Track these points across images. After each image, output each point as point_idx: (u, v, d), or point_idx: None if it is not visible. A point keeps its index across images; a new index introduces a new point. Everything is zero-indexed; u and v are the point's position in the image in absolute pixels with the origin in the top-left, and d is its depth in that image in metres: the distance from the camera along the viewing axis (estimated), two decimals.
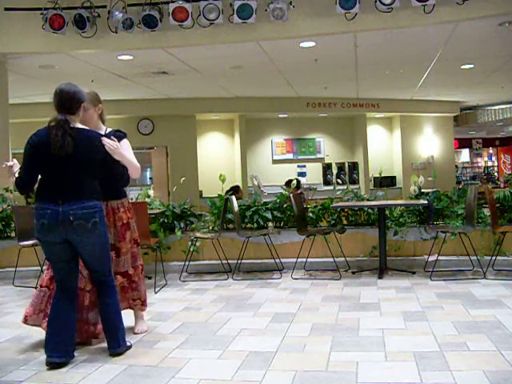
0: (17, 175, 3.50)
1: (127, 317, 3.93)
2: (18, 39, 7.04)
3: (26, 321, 3.84)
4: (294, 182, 9.44)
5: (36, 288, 3.98)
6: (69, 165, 3.39)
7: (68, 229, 3.35)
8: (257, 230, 6.66)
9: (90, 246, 3.46)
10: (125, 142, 3.88)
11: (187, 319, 4.41)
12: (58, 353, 3.38)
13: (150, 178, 14.28)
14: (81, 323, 3.76)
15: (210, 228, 6.81)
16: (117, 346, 3.55)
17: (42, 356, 3.60)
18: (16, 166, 3.59)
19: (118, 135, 3.85)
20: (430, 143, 14.93)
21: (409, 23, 6.52)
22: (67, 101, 3.44)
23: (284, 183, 9.42)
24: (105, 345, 3.76)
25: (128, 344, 3.65)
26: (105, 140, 3.52)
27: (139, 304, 4.08)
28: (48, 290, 3.81)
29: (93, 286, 3.71)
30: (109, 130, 3.99)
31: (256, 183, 12.56)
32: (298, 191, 8.95)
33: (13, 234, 6.94)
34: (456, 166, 22.31)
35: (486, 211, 6.25)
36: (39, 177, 3.48)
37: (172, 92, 11.17)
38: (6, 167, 3.59)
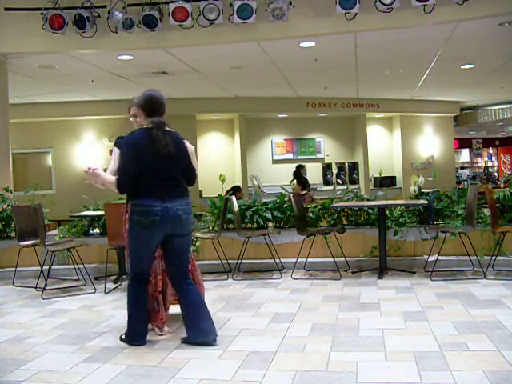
0: (111, 178, 3.66)
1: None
2: (18, 39, 7.04)
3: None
4: (294, 181, 9.46)
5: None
6: (169, 163, 3.66)
7: (176, 223, 3.64)
8: (257, 230, 6.66)
9: (186, 238, 3.78)
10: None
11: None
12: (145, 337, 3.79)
13: None
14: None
15: (210, 228, 6.81)
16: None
17: (42, 356, 3.61)
18: (100, 169, 3.71)
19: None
20: (430, 143, 14.93)
21: (409, 23, 6.53)
22: (157, 105, 3.74)
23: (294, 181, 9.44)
24: (104, 344, 3.77)
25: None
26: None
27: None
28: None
29: (173, 284, 3.86)
30: None
31: (256, 183, 12.56)
32: (305, 191, 8.97)
33: (13, 234, 6.93)
34: (462, 168, 22.35)
35: (486, 211, 6.25)
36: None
37: (172, 92, 11.16)
38: (91, 172, 3.67)
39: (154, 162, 3.62)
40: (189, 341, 3.71)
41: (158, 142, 3.60)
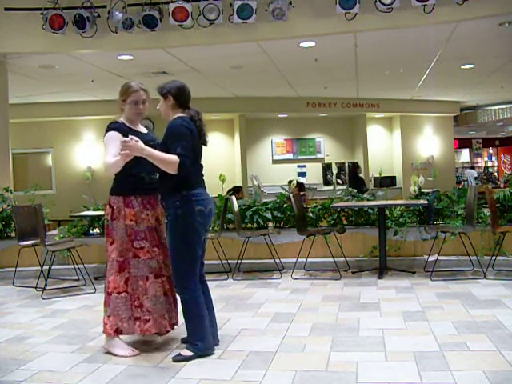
0: (166, 154, 3.32)
1: None
2: (18, 39, 7.04)
3: (120, 333, 3.60)
4: (294, 181, 9.44)
5: (109, 293, 3.63)
6: (201, 155, 3.62)
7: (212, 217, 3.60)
8: (257, 230, 6.66)
9: None
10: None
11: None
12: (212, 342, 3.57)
13: None
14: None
15: (210, 228, 6.81)
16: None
17: (42, 356, 3.61)
18: (141, 142, 3.36)
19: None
20: (430, 143, 14.93)
21: (409, 23, 6.53)
22: (189, 97, 3.65)
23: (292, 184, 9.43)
24: (104, 344, 3.76)
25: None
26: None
27: None
28: (127, 294, 3.59)
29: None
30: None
31: (256, 183, 12.55)
32: (301, 193, 8.96)
33: (13, 234, 6.93)
34: (472, 167, 22.16)
35: (486, 211, 6.25)
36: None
37: None
38: (127, 141, 3.30)
39: (200, 152, 3.58)
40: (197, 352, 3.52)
41: (204, 134, 3.57)
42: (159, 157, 3.34)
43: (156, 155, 3.34)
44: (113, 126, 3.65)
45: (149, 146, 3.42)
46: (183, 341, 3.74)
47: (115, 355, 3.55)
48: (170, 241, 3.49)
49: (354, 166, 10.69)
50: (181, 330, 3.93)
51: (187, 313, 3.48)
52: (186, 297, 3.47)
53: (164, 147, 3.40)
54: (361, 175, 10.62)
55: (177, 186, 3.41)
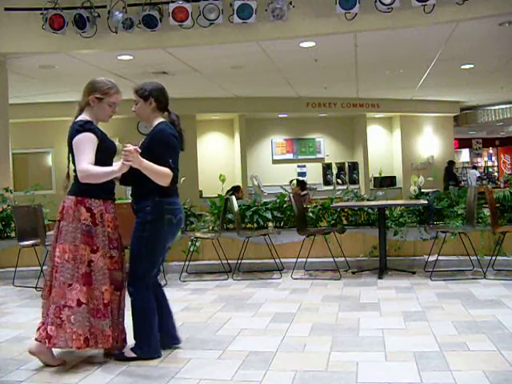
0: (160, 167, 3.24)
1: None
2: (18, 39, 7.04)
3: (84, 347, 3.27)
4: (294, 181, 9.44)
5: (106, 305, 3.34)
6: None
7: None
8: (257, 230, 6.66)
9: None
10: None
11: (187, 319, 4.41)
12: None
13: None
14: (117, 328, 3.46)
15: (210, 228, 6.81)
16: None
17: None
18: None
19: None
20: (430, 143, 14.94)
21: (409, 23, 6.53)
22: (168, 100, 3.54)
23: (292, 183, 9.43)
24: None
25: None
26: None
27: None
28: (87, 306, 3.29)
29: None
30: None
31: (256, 183, 12.55)
32: (303, 192, 8.96)
33: (13, 234, 6.93)
34: (474, 167, 22.08)
35: (486, 211, 6.25)
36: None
37: (172, 92, 11.13)
38: (131, 151, 3.12)
39: (178, 159, 3.44)
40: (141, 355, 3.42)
41: (183, 140, 3.47)
42: (154, 170, 3.24)
43: (152, 168, 3.23)
44: (88, 127, 3.33)
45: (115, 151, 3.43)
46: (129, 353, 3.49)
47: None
48: (133, 242, 3.40)
49: (450, 163, 10.80)
50: (180, 330, 3.92)
51: (136, 314, 3.39)
52: (136, 297, 3.38)
53: (149, 154, 3.25)
54: (454, 172, 10.82)
55: (150, 191, 3.32)
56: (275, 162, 14.59)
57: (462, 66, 9.82)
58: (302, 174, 14.23)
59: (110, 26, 6.69)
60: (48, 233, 6.55)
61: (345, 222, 6.76)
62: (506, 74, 10.67)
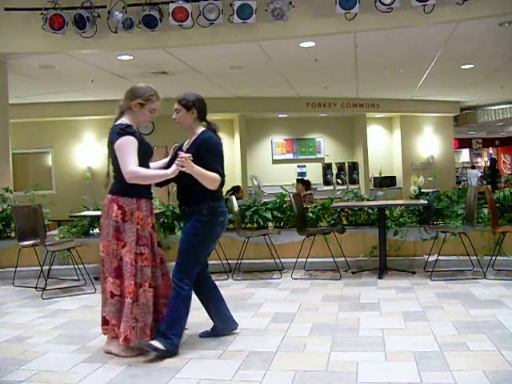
0: (210, 172, 3.53)
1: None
2: (18, 39, 7.04)
3: (114, 336, 3.55)
4: (294, 181, 9.44)
5: (109, 297, 3.65)
6: None
7: None
8: (257, 230, 6.66)
9: None
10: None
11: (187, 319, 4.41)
12: None
13: None
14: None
15: None
16: None
17: (42, 356, 3.61)
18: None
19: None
20: (430, 143, 14.94)
21: (409, 23, 6.53)
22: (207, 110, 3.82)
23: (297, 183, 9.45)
24: (104, 344, 3.76)
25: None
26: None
27: None
28: (120, 298, 3.60)
29: (205, 280, 3.90)
30: None
31: (256, 183, 12.55)
32: (307, 192, 8.97)
33: (13, 234, 6.93)
34: (473, 167, 22.08)
35: (486, 211, 6.25)
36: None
37: (172, 92, 11.13)
38: (186, 158, 3.43)
39: (224, 165, 3.73)
40: (218, 332, 3.88)
41: (222, 147, 3.76)
42: (204, 175, 3.52)
43: (202, 173, 3.51)
44: (129, 131, 3.55)
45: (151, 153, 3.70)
46: (202, 335, 3.89)
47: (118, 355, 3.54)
48: (185, 239, 3.65)
49: (494, 161, 10.87)
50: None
51: (177, 306, 3.56)
52: (180, 292, 3.57)
53: (196, 160, 3.50)
54: (497, 168, 10.88)
55: (205, 196, 3.61)
56: (275, 162, 14.59)
57: (462, 66, 9.82)
58: (302, 174, 14.22)
59: (109, 26, 6.69)
60: (48, 233, 6.56)
61: (345, 222, 6.76)
62: (506, 74, 10.66)
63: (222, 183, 3.65)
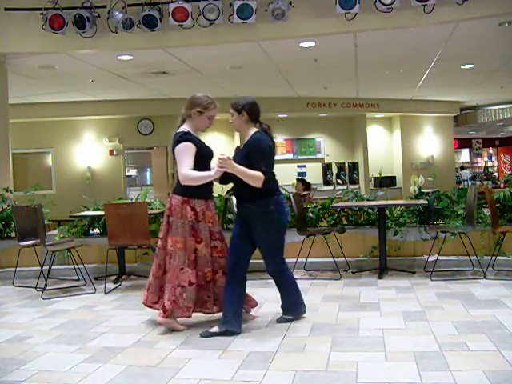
0: (252, 171, 3.83)
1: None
2: (18, 39, 7.04)
3: (190, 314, 4.08)
4: (294, 181, 9.44)
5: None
6: None
7: None
8: None
9: None
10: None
11: (187, 319, 4.40)
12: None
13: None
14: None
15: None
16: None
17: (42, 356, 3.61)
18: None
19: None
20: (430, 143, 14.94)
21: (409, 23, 6.52)
22: (260, 112, 4.11)
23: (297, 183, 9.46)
24: (104, 344, 3.77)
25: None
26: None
27: None
28: (196, 285, 4.06)
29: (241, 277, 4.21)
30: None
31: None
32: (305, 192, 8.97)
33: (13, 234, 6.93)
34: (462, 168, 22.29)
35: (486, 211, 6.25)
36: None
37: (172, 92, 11.16)
38: (225, 159, 3.82)
39: (273, 163, 4.03)
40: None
41: (275, 146, 4.08)
42: (247, 173, 3.84)
43: (245, 172, 3.84)
44: (187, 138, 3.97)
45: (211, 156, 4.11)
46: (202, 335, 3.97)
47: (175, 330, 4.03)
48: (264, 235, 4.04)
49: None
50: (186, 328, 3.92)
51: (290, 288, 4.27)
52: (284, 274, 4.24)
53: (247, 160, 3.86)
54: None
55: (267, 191, 3.92)
56: (275, 161, 14.56)
57: (462, 66, 9.82)
58: (302, 174, 14.21)
59: (109, 26, 6.69)
60: (48, 233, 6.56)
61: (345, 222, 6.76)
62: (506, 74, 10.66)
63: (268, 179, 3.87)
